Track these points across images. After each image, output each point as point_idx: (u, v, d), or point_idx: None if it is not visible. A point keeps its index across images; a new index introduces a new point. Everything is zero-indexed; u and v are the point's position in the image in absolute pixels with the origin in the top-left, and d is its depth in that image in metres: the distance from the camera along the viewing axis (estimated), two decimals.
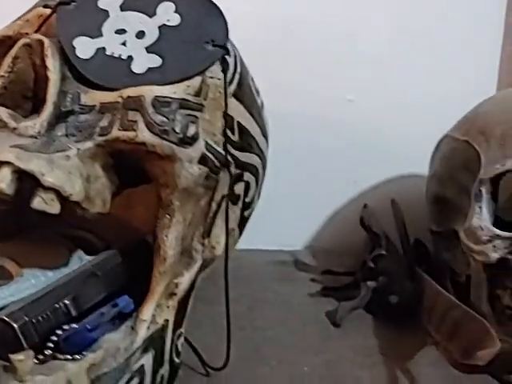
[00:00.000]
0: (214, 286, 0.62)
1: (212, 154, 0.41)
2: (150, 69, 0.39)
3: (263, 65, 0.71)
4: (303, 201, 0.75)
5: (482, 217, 0.46)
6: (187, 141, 0.37)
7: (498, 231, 0.45)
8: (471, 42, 0.73)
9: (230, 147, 0.48)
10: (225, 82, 0.43)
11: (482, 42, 0.73)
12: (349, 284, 0.59)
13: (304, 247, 0.78)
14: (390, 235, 0.63)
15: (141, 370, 0.38)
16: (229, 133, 0.48)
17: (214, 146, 0.41)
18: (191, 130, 0.38)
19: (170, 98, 0.37)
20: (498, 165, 0.46)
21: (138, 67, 0.39)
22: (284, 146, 0.74)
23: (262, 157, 0.56)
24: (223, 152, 0.43)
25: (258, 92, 0.56)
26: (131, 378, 0.37)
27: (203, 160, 0.39)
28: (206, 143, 0.40)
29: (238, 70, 0.50)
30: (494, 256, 0.45)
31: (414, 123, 0.73)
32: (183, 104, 0.38)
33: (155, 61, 0.39)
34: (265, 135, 0.57)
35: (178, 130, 0.37)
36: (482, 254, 0.46)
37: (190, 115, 0.38)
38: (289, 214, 0.75)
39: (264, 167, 0.58)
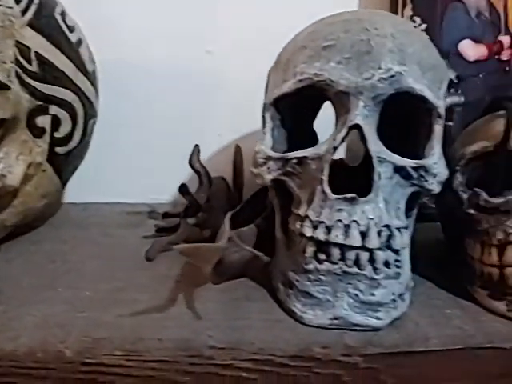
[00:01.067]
0: (54, 231, 0.64)
1: None
2: None
3: (121, 15, 0.71)
4: (168, 155, 0.75)
5: (264, 142, 0.46)
6: None
7: (270, 152, 0.45)
8: None
9: (25, 77, 0.49)
10: None
11: None
12: (178, 223, 0.59)
13: (171, 201, 0.78)
14: None
15: None
16: (23, 62, 0.48)
17: None
18: None
19: None
20: (276, 89, 0.46)
21: None
22: (142, 99, 0.75)
23: (81, 94, 0.56)
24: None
25: (71, 28, 0.56)
26: None
27: None
28: None
29: (36, 0, 0.50)
30: (268, 177, 0.45)
31: None
32: None
33: None
34: (85, 73, 0.57)
35: None
36: (258, 176, 0.46)
37: None
38: (153, 168, 0.76)
39: (86, 106, 0.58)
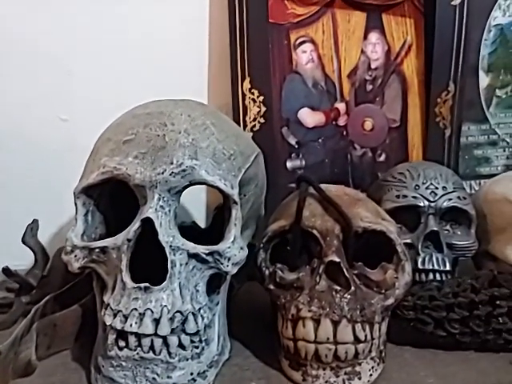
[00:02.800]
0: None
1: None
2: None
3: None
4: (27, 220, 0.76)
5: (74, 229, 0.48)
6: None
7: (76, 241, 0.47)
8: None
9: None
10: None
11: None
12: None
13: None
14: None
15: None
16: None
17: None
18: None
19: None
20: (84, 179, 0.48)
21: None
22: None
23: None
24: None
25: None
26: None
27: None
28: None
29: None
30: (76, 265, 0.47)
31: None
32: None
33: None
34: None
35: None
36: (68, 263, 0.48)
37: None
38: (12, 233, 0.75)
39: None
